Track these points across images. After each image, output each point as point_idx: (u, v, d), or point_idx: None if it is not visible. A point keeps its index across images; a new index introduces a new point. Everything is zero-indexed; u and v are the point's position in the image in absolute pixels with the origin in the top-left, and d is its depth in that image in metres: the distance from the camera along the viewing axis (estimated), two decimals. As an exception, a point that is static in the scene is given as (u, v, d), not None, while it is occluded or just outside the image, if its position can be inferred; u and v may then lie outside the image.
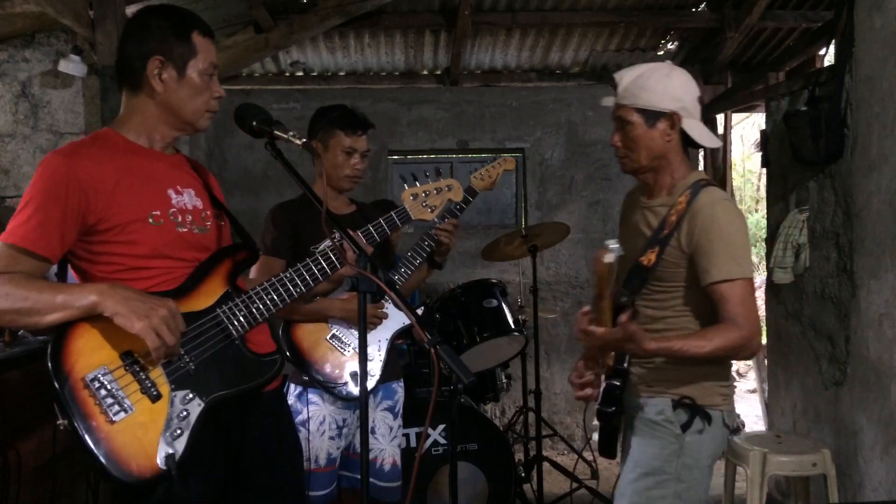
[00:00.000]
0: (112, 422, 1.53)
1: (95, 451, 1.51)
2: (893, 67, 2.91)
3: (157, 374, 1.60)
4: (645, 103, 1.97)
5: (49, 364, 1.54)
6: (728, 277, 1.84)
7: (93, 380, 1.54)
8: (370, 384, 2.48)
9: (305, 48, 5.08)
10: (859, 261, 3.18)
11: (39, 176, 1.62)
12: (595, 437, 2.16)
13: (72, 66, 3.41)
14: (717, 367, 1.98)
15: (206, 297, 1.71)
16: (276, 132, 1.72)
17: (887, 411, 2.98)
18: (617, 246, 1.79)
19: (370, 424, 2.57)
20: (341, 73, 5.46)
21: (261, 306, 1.74)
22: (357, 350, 2.45)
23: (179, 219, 1.73)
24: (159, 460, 1.55)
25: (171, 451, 1.56)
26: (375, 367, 2.53)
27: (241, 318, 1.71)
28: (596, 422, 2.12)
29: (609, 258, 1.78)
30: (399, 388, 2.71)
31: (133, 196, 1.67)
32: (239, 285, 1.80)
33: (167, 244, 1.70)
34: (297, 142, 1.72)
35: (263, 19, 4.40)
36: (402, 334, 2.66)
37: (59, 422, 1.53)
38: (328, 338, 2.49)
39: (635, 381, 2.04)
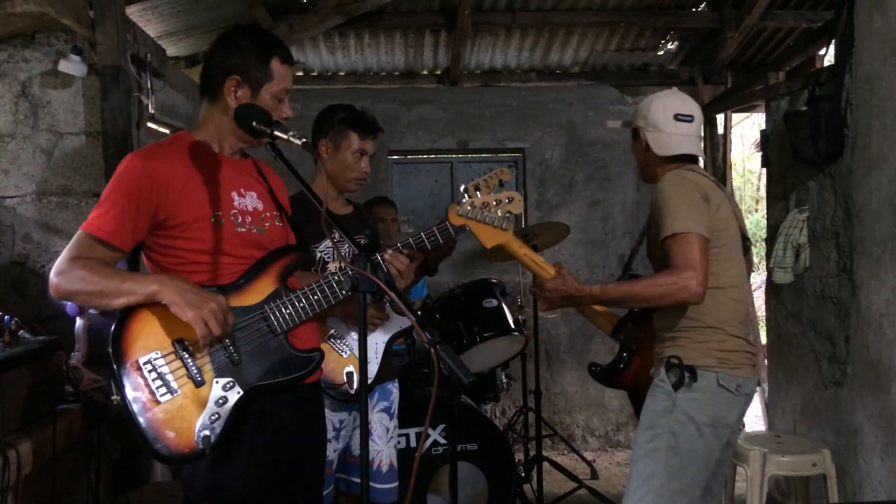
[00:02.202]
0: (158, 401, 1.70)
1: (141, 425, 1.69)
2: (893, 67, 2.91)
3: (204, 362, 1.76)
4: (636, 123, 2.41)
5: (110, 345, 1.72)
6: (668, 233, 2.09)
7: (146, 363, 1.72)
8: None
9: (305, 48, 5.08)
10: (859, 261, 3.18)
11: (120, 174, 1.79)
12: None
13: (72, 66, 3.41)
14: (713, 333, 2.16)
15: (257, 293, 1.85)
16: (276, 132, 1.76)
17: (887, 411, 2.98)
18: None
19: (360, 424, 2.56)
20: (341, 73, 5.46)
21: (305, 306, 1.86)
22: (354, 351, 2.47)
23: (239, 219, 1.87)
24: (196, 440, 1.70)
25: (207, 433, 1.71)
26: (371, 370, 2.52)
27: (286, 315, 1.84)
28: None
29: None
30: (394, 388, 2.71)
31: (199, 197, 1.82)
32: (290, 284, 1.92)
33: (226, 242, 1.84)
34: (297, 142, 1.73)
35: (263, 19, 4.40)
36: (401, 334, 2.66)
37: (113, 397, 1.71)
38: (326, 338, 2.48)
39: (655, 357, 2.30)
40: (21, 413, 2.44)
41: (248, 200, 1.92)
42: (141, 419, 1.68)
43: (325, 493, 2.49)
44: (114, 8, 3.40)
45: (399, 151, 5.45)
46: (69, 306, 3.02)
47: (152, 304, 1.72)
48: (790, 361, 3.89)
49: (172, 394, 1.71)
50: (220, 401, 1.73)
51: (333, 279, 1.89)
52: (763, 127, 4.28)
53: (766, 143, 4.10)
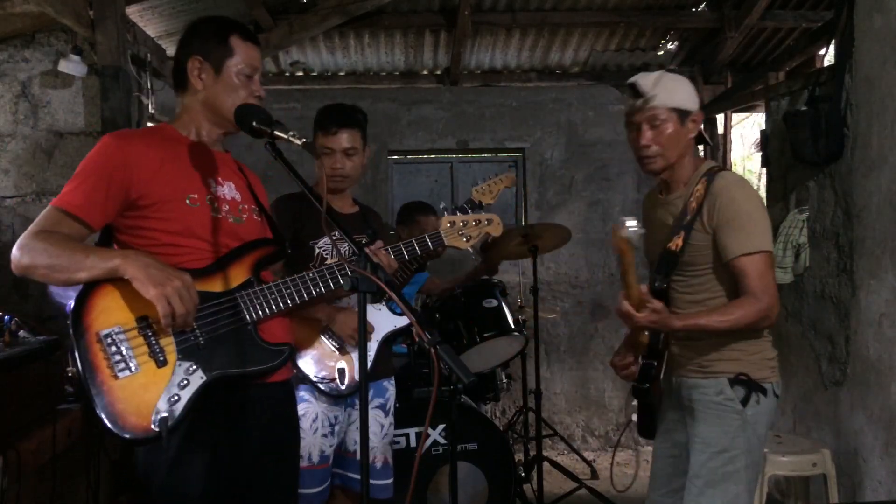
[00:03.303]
0: (116, 377, 1.63)
1: (96, 400, 1.62)
2: (893, 67, 2.91)
3: (168, 343, 1.69)
4: (677, 103, 2.10)
5: (70, 315, 1.67)
6: (746, 251, 1.97)
7: (106, 336, 1.66)
8: (354, 386, 2.49)
9: (305, 48, 5.08)
10: (859, 261, 3.18)
11: (93, 152, 1.76)
12: (634, 418, 2.32)
13: (72, 66, 3.42)
14: (763, 343, 2.11)
15: (229, 280, 1.81)
16: (276, 132, 1.75)
17: (887, 411, 2.98)
18: (634, 221, 1.88)
19: (360, 423, 2.58)
20: (341, 73, 5.46)
21: (278, 298, 1.83)
22: (348, 348, 2.47)
23: (216, 205, 1.84)
24: (153, 420, 1.63)
25: (165, 415, 1.64)
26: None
27: (258, 306, 1.80)
28: (634, 403, 2.26)
29: (625, 232, 1.88)
30: (390, 385, 2.72)
31: (174, 178, 1.79)
32: (263, 277, 1.88)
33: (200, 226, 1.80)
34: (297, 142, 1.73)
35: (263, 19, 4.40)
36: (401, 334, 2.66)
37: (68, 369, 1.66)
38: (320, 332, 2.49)
39: (683, 363, 2.16)
40: (21, 413, 2.44)
41: (227, 189, 1.89)
42: (95, 394, 1.61)
43: (321, 488, 2.52)
44: (114, 8, 3.41)
45: (399, 151, 5.45)
46: (69, 306, 3.02)
47: (117, 281, 1.66)
48: (790, 362, 3.89)
49: (131, 371, 1.64)
50: (182, 383, 1.67)
51: (308, 276, 1.87)
52: (763, 127, 4.28)
53: (766, 143, 4.10)
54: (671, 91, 2.09)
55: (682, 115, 2.11)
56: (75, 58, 3.42)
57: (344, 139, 2.56)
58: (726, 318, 2.00)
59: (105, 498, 2.94)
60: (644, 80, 2.11)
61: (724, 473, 2.05)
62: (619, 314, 2.03)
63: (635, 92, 2.12)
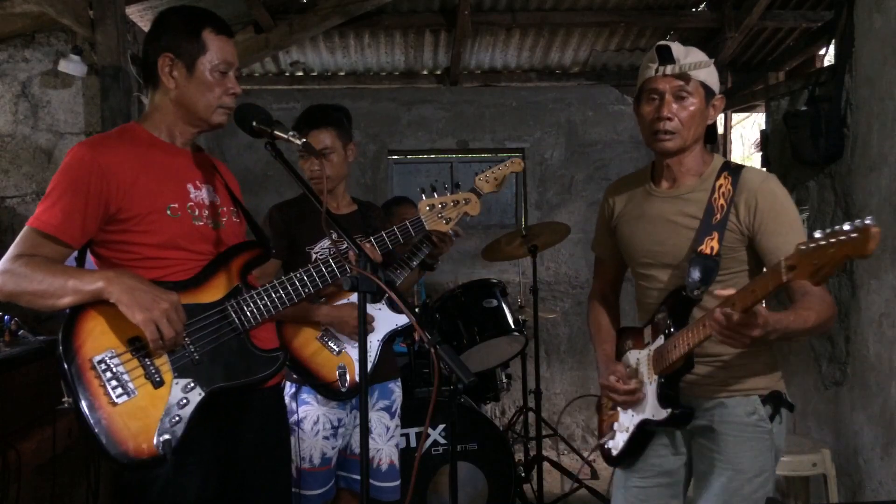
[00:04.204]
0: (114, 403, 1.58)
1: (95, 429, 1.56)
2: (893, 67, 2.91)
3: (162, 362, 1.65)
4: (706, 79, 1.87)
5: (59, 343, 1.59)
6: None
7: (100, 362, 1.60)
8: (355, 388, 2.49)
9: (305, 48, 5.08)
10: (859, 261, 3.18)
11: (66, 165, 1.67)
12: (611, 444, 2.03)
13: (72, 66, 3.42)
14: (773, 351, 1.93)
15: (217, 290, 1.76)
16: (276, 132, 1.75)
17: (887, 411, 2.98)
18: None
19: (360, 423, 2.58)
20: (341, 73, 5.46)
21: (268, 303, 1.78)
22: (346, 349, 2.47)
23: (196, 212, 1.78)
24: (156, 444, 1.59)
25: (167, 437, 1.60)
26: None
27: (248, 313, 1.76)
28: (619, 427, 1.99)
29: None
30: (396, 387, 2.71)
31: (153, 188, 1.72)
32: (250, 281, 1.84)
33: (183, 236, 1.74)
34: (297, 142, 1.73)
35: (263, 19, 4.40)
36: (399, 333, 2.66)
37: (63, 399, 1.60)
38: (318, 337, 2.48)
39: (706, 382, 1.91)
40: (21, 413, 2.44)
41: (205, 193, 1.82)
42: (95, 422, 1.56)
43: (325, 489, 2.53)
44: (114, 8, 3.41)
45: (399, 151, 5.45)
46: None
47: (104, 302, 1.59)
48: (790, 361, 3.89)
49: (129, 395, 1.59)
50: (182, 402, 1.63)
51: (296, 277, 1.84)
52: (763, 127, 4.28)
53: (766, 143, 4.10)
54: (702, 66, 1.85)
55: (709, 94, 1.88)
56: (75, 58, 3.42)
57: (315, 140, 2.54)
58: (811, 314, 1.71)
59: (105, 498, 2.93)
60: (676, 46, 1.85)
61: (756, 499, 1.86)
62: (738, 334, 1.61)
63: (664, 56, 1.84)
